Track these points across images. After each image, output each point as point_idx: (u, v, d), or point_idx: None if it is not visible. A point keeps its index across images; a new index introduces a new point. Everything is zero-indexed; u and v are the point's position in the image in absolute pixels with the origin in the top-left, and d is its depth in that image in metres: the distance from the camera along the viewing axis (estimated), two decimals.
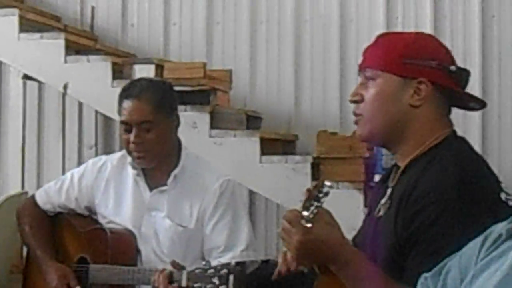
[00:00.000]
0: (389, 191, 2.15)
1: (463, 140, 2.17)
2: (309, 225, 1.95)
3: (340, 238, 2.03)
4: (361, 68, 2.19)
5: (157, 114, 2.99)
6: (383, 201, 2.15)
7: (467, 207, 1.95)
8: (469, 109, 2.27)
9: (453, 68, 2.13)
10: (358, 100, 2.17)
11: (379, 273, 2.02)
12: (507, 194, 2.04)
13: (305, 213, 1.95)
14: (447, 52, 2.19)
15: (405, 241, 2.01)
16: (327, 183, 1.96)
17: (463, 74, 2.15)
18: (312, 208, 1.95)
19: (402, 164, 2.15)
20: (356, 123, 2.19)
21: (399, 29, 5.29)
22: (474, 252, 1.71)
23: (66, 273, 3.11)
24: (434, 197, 1.98)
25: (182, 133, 3.18)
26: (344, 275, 2.02)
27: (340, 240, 2.02)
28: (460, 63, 2.18)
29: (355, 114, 2.18)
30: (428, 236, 1.97)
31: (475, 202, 1.97)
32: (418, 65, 2.10)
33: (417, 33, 2.24)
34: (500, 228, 1.70)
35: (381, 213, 2.15)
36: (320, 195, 1.95)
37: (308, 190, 1.98)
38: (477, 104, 2.21)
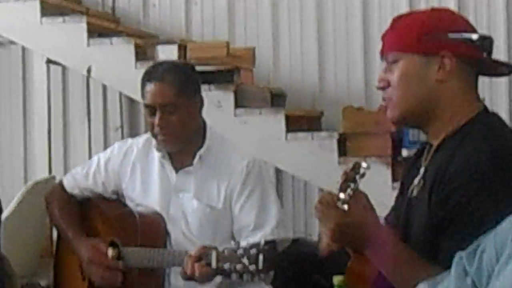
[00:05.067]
0: (422, 170, 2.13)
1: (494, 115, 2.13)
2: (345, 206, 1.94)
3: (376, 222, 2.01)
4: (383, 54, 2.16)
5: (180, 96, 2.97)
6: (416, 181, 2.13)
7: (502, 185, 1.92)
8: (498, 75, 2.24)
9: (474, 36, 2.08)
10: (384, 86, 2.14)
11: (413, 256, 2.00)
12: None
13: (341, 195, 1.95)
14: (466, 22, 2.15)
15: (440, 222, 1.98)
16: (364, 164, 1.96)
17: (486, 41, 2.11)
18: (348, 190, 1.94)
19: (435, 143, 2.12)
20: (386, 108, 2.16)
21: (422, 4, 5.24)
22: (510, 229, 1.68)
23: (97, 243, 3.09)
24: (468, 175, 1.95)
25: (207, 113, 3.17)
26: (378, 260, 2.01)
27: (375, 224, 2.00)
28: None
29: (384, 100, 2.15)
30: (464, 216, 1.94)
31: (509, 179, 1.93)
32: (437, 40, 2.07)
33: (432, 9, 2.21)
34: None
35: (414, 193, 2.12)
36: (357, 176, 1.94)
37: (345, 173, 1.97)
38: (506, 68, 2.17)
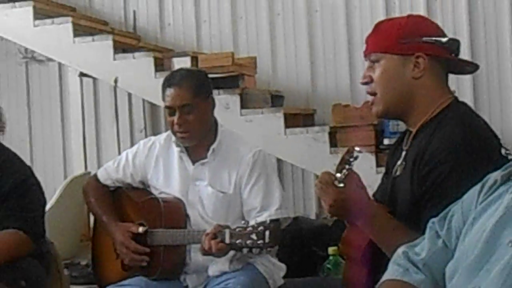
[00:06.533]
0: (403, 153, 2.15)
1: (465, 104, 2.15)
2: (341, 185, 1.97)
3: (367, 197, 2.04)
4: (366, 54, 2.18)
5: (195, 98, 2.98)
6: (399, 162, 2.15)
7: (474, 163, 1.94)
8: (465, 73, 2.27)
9: (444, 40, 2.11)
10: (368, 81, 2.16)
11: (398, 225, 2.03)
12: (506, 149, 2.02)
13: (338, 175, 1.97)
14: (437, 27, 2.17)
15: (421, 197, 2.01)
16: (357, 148, 1.98)
17: (454, 43, 2.14)
18: (344, 170, 1.96)
19: (414, 129, 2.14)
20: (372, 103, 2.17)
21: (396, 12, 5.26)
22: (474, 197, 1.71)
23: (129, 226, 3.09)
24: (444, 156, 1.97)
25: (217, 114, 3.18)
26: (369, 229, 2.04)
27: (366, 200, 2.04)
28: (450, 35, 2.17)
29: (369, 94, 2.17)
30: (441, 191, 1.96)
31: (480, 159, 1.95)
32: (413, 43, 2.09)
33: (409, 15, 2.21)
34: (495, 175, 1.70)
35: (398, 173, 2.14)
36: (351, 159, 1.96)
37: (341, 156, 1.99)
38: (471, 67, 2.20)
